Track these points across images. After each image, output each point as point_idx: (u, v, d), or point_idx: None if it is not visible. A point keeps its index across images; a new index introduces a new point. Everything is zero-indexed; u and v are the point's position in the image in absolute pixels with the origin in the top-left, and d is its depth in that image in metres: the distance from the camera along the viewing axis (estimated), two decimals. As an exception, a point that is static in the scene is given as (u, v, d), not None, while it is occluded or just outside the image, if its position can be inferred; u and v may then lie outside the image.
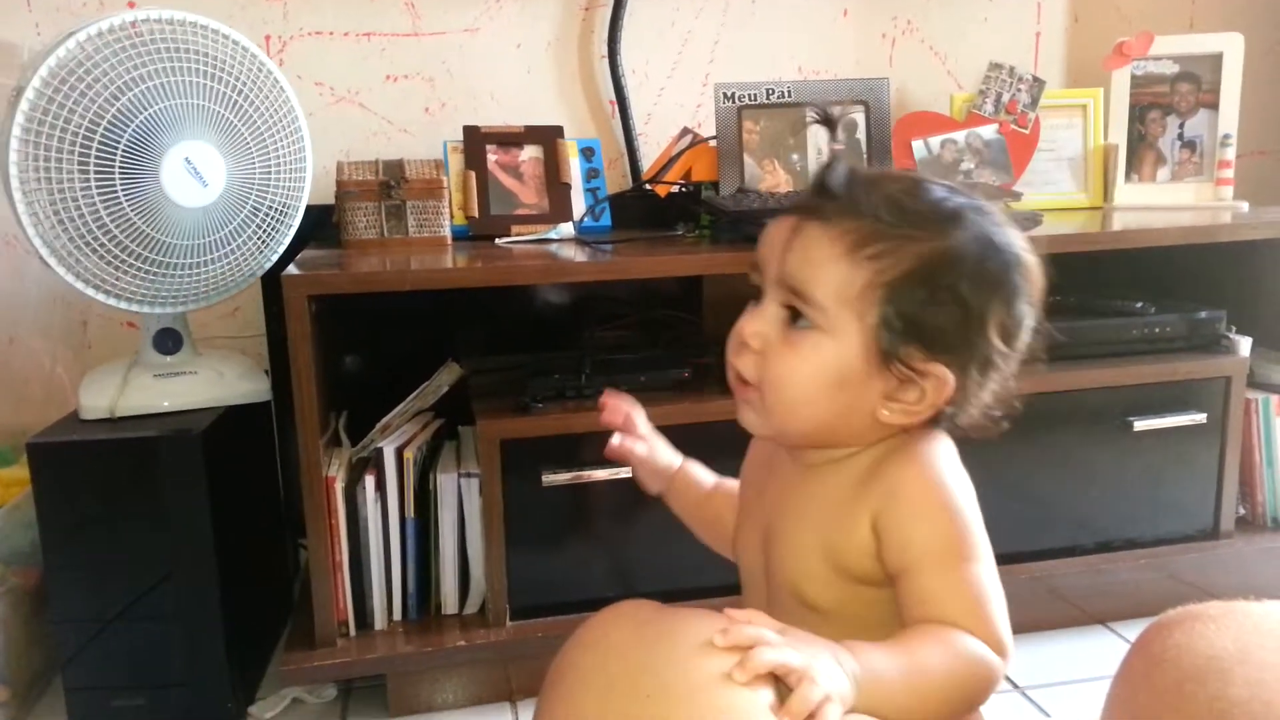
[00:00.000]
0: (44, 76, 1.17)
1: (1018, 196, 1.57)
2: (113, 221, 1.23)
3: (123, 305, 1.30)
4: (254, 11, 1.65)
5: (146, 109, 1.22)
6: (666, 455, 0.94)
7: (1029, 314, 0.71)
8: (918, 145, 1.75)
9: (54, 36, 1.24)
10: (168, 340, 1.35)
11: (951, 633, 0.65)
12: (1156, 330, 1.51)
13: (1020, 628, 1.52)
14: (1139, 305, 1.53)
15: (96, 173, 1.21)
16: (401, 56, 1.73)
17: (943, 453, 0.72)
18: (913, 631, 0.65)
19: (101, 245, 1.24)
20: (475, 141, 1.62)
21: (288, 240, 1.39)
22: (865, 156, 1.61)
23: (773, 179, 1.60)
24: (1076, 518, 1.50)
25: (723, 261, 1.40)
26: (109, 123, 1.20)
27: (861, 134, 1.61)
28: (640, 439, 0.93)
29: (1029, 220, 1.44)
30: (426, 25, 1.73)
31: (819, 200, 0.69)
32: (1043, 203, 1.69)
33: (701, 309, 1.62)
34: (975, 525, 0.69)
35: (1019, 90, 1.78)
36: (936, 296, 0.66)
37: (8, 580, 1.31)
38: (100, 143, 1.20)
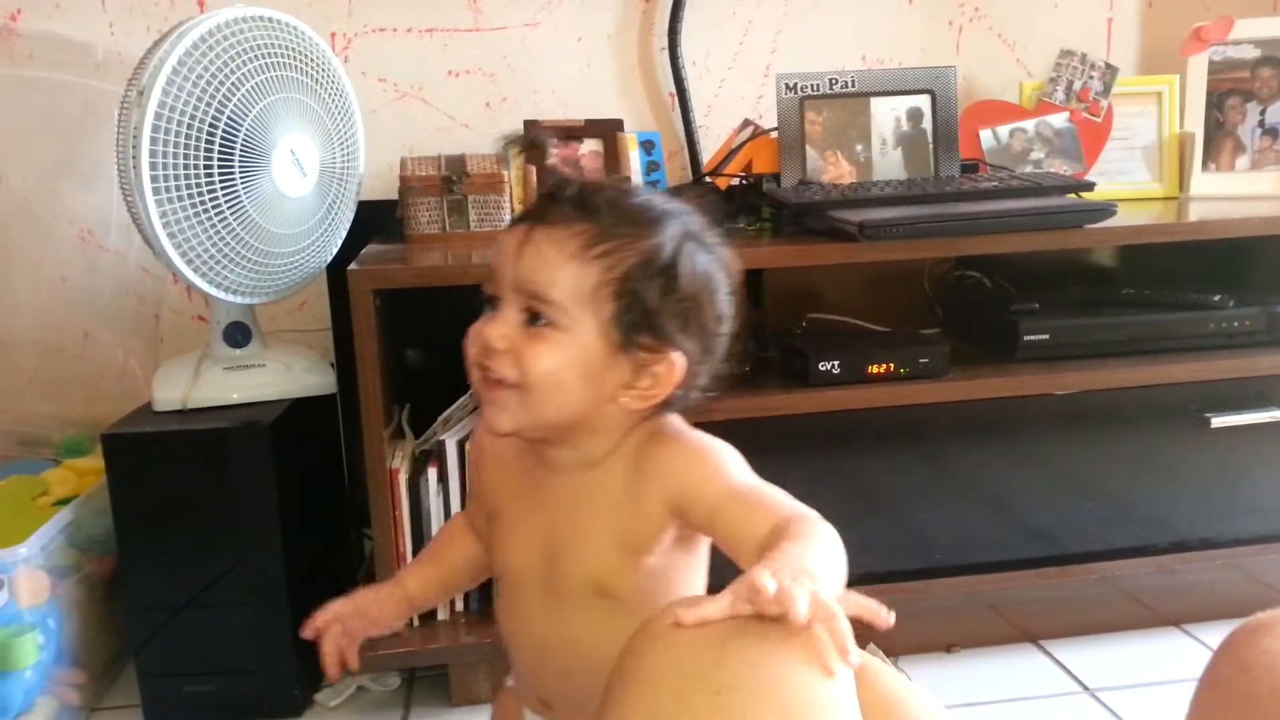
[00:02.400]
0: (168, 76, 1.20)
1: (1090, 186, 1.53)
2: (233, 215, 1.26)
3: (232, 298, 1.33)
4: (320, 9, 1.66)
5: (257, 104, 1.26)
6: (391, 600, 0.91)
7: (730, 302, 0.77)
8: (985, 134, 1.71)
9: (141, 36, 1.29)
10: (237, 334, 1.38)
11: (791, 519, 0.69)
12: (1235, 324, 1.46)
13: (1091, 629, 1.51)
14: (1217, 298, 1.48)
15: (220, 169, 1.24)
16: (463, 52, 1.73)
17: (681, 423, 0.80)
18: (773, 531, 0.68)
19: (221, 239, 1.27)
20: (535, 135, 1.63)
21: (345, 230, 1.41)
22: (931, 147, 1.58)
23: (836, 170, 1.58)
24: (1150, 516, 1.45)
25: (784, 255, 1.39)
26: (228, 120, 1.24)
27: (928, 124, 1.58)
28: (374, 626, 0.90)
29: (1102, 211, 1.40)
30: (487, 20, 1.73)
31: (546, 208, 0.75)
32: (1116, 193, 1.64)
33: (762, 303, 1.61)
34: (729, 451, 0.77)
35: (1091, 77, 1.73)
36: (660, 288, 0.73)
37: (84, 567, 1.35)
38: (223, 139, 1.23)
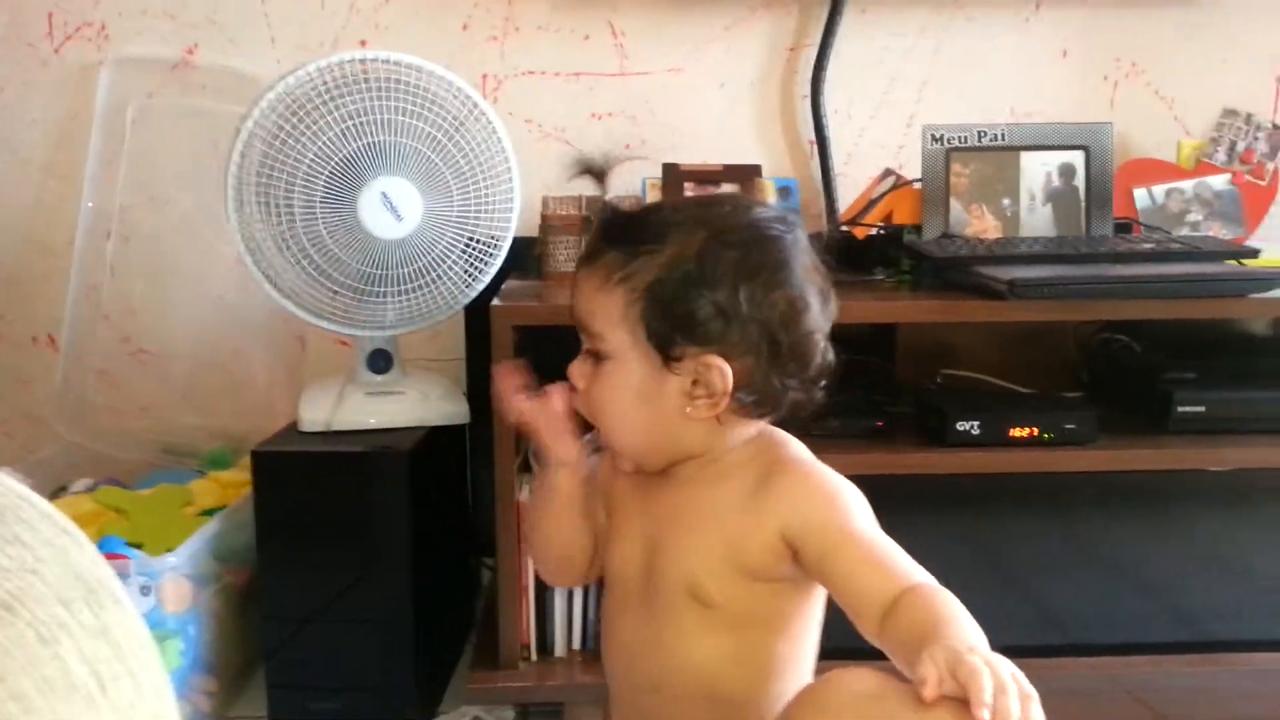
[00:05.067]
0: (263, 109, 1.26)
1: (1254, 253, 1.44)
2: (313, 247, 1.30)
3: (332, 327, 1.37)
4: (474, 52, 1.72)
5: (349, 145, 1.28)
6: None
7: (801, 287, 0.75)
8: (1140, 194, 1.65)
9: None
10: (380, 360, 1.42)
11: (929, 590, 0.69)
12: None
13: (1247, 725, 1.38)
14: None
15: (301, 203, 1.28)
16: (607, 95, 1.77)
17: (804, 450, 0.81)
18: (918, 605, 0.67)
19: (304, 269, 1.31)
20: (673, 179, 1.63)
21: (494, 271, 1.44)
22: (1084, 204, 1.53)
23: (980, 224, 1.54)
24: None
25: (927, 310, 1.36)
26: (313, 159, 1.27)
27: (1080, 180, 1.53)
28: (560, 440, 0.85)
29: (1268, 281, 1.33)
30: (633, 65, 1.76)
31: (591, 247, 0.79)
32: (1282, 260, 1.55)
33: (895, 357, 1.58)
34: (856, 494, 0.78)
35: (1256, 138, 1.65)
36: (683, 294, 0.73)
37: (222, 578, 1.40)
38: (305, 178, 1.27)
